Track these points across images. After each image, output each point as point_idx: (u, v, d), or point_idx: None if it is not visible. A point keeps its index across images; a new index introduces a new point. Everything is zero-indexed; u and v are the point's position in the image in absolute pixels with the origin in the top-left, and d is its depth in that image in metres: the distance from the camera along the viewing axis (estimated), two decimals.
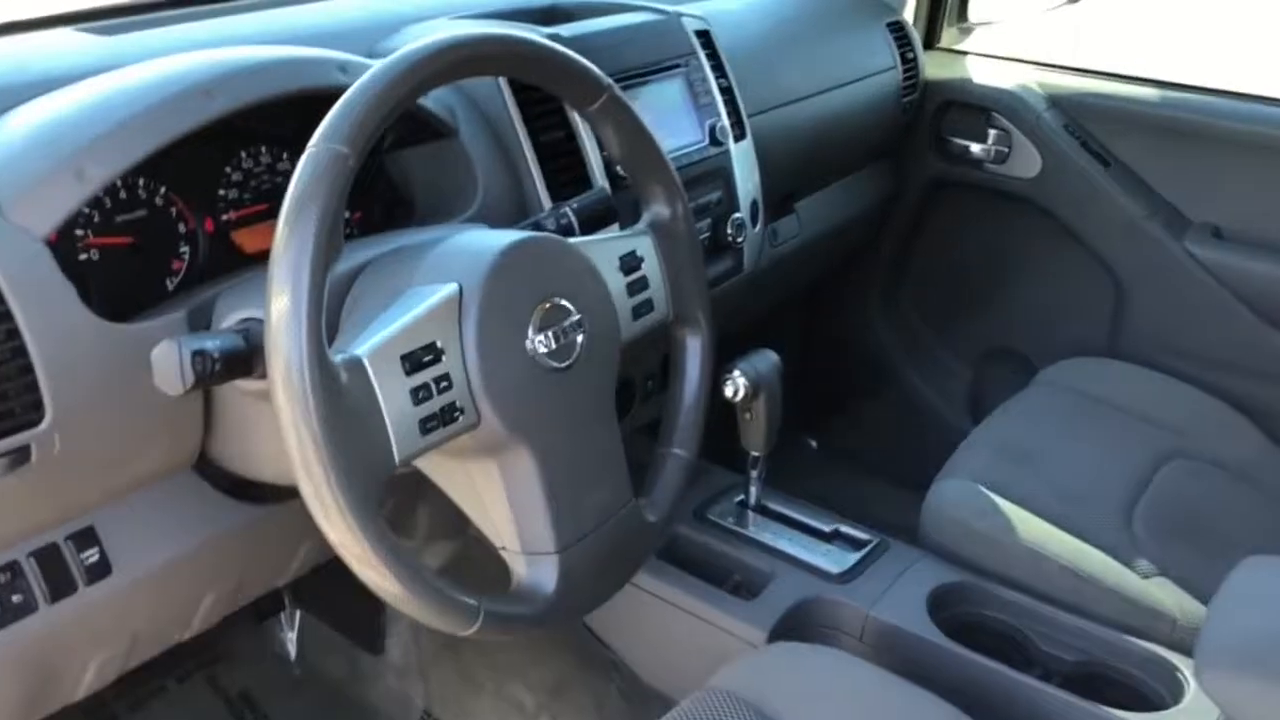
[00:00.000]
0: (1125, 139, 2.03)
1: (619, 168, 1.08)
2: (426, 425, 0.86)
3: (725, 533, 1.55)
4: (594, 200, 1.17)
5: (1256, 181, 1.93)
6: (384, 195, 1.30)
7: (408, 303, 0.88)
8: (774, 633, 1.40)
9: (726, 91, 1.57)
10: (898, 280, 2.35)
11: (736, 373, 1.47)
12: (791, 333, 2.45)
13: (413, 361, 0.85)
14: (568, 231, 1.15)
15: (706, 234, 1.50)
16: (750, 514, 1.58)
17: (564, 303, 0.96)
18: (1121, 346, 2.09)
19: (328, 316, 0.84)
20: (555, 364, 0.94)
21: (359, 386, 0.82)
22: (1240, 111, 1.93)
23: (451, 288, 0.90)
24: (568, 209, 1.16)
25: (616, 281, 1.05)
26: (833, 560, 1.49)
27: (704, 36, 1.56)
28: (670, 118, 1.46)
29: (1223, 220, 1.97)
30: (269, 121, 1.14)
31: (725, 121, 1.53)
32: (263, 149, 1.18)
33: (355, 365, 0.82)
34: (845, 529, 1.56)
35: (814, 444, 2.54)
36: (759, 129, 1.66)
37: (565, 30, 1.37)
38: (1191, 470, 1.71)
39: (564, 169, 1.31)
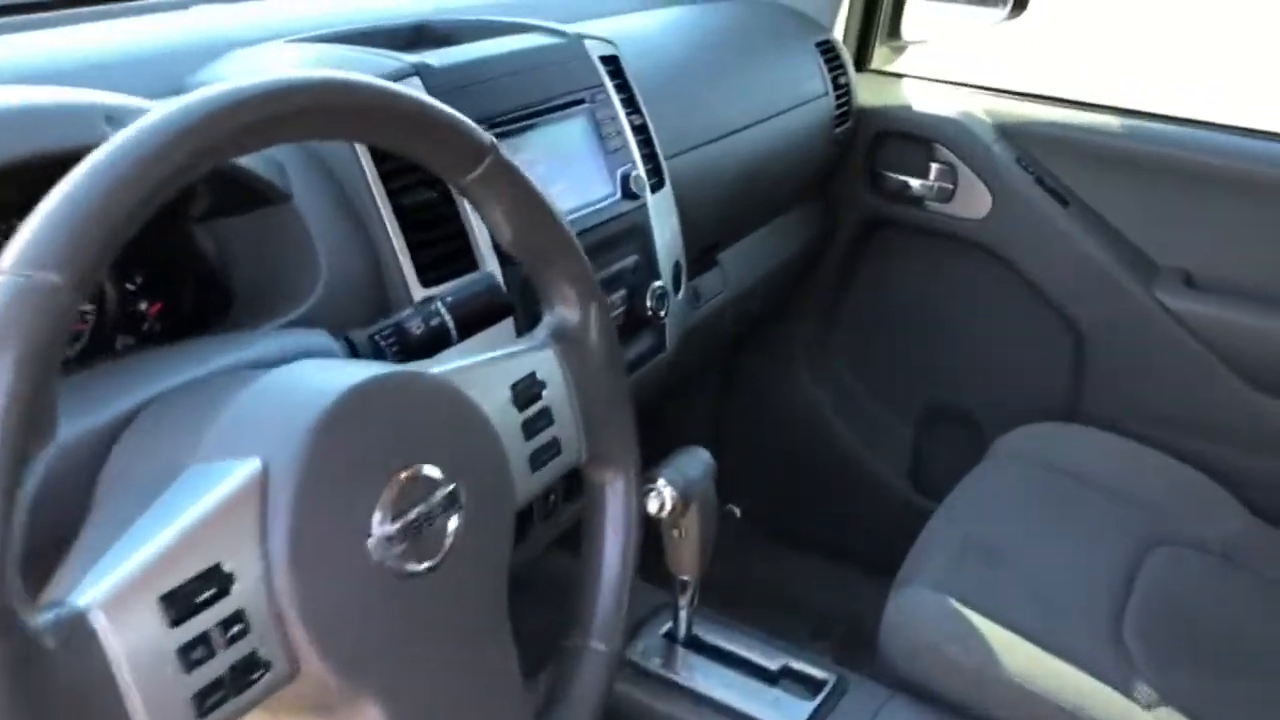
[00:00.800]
0: (1085, 174, 1.79)
1: (512, 254, 0.78)
2: (207, 700, 0.54)
3: (649, 679, 1.25)
4: (478, 290, 0.87)
5: (1233, 222, 1.72)
6: (197, 276, 0.97)
7: (179, 498, 0.57)
8: None
9: (641, 130, 1.27)
10: (830, 332, 2.09)
11: (661, 482, 1.18)
12: (708, 390, 2.16)
13: (181, 603, 0.54)
14: (440, 337, 0.84)
15: (620, 308, 1.21)
16: (680, 651, 1.29)
17: (429, 470, 0.65)
18: (1084, 408, 1.86)
19: (52, 526, 0.52)
20: (414, 566, 0.64)
21: (82, 660, 0.50)
22: (1214, 144, 1.71)
23: (251, 467, 0.58)
24: (440, 304, 0.85)
25: (509, 420, 0.75)
26: (783, 712, 1.21)
27: (612, 64, 1.26)
28: (573, 168, 1.16)
29: (1196, 266, 1.75)
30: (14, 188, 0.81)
31: (640, 169, 1.24)
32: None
33: (75, 625, 0.50)
34: (795, 665, 1.28)
35: (737, 512, 2.26)
36: (678, 173, 1.38)
37: (436, 58, 1.06)
38: (1177, 559, 1.50)
39: (438, 242, 1.00)
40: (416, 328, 0.83)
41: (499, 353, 0.77)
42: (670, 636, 1.31)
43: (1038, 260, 1.83)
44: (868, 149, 1.90)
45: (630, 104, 1.27)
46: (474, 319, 0.85)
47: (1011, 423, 1.84)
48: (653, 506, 1.18)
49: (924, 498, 2.02)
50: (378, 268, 0.96)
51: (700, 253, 1.61)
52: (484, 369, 0.74)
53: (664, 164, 1.31)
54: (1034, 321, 1.88)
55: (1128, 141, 1.76)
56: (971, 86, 1.92)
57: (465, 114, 1.04)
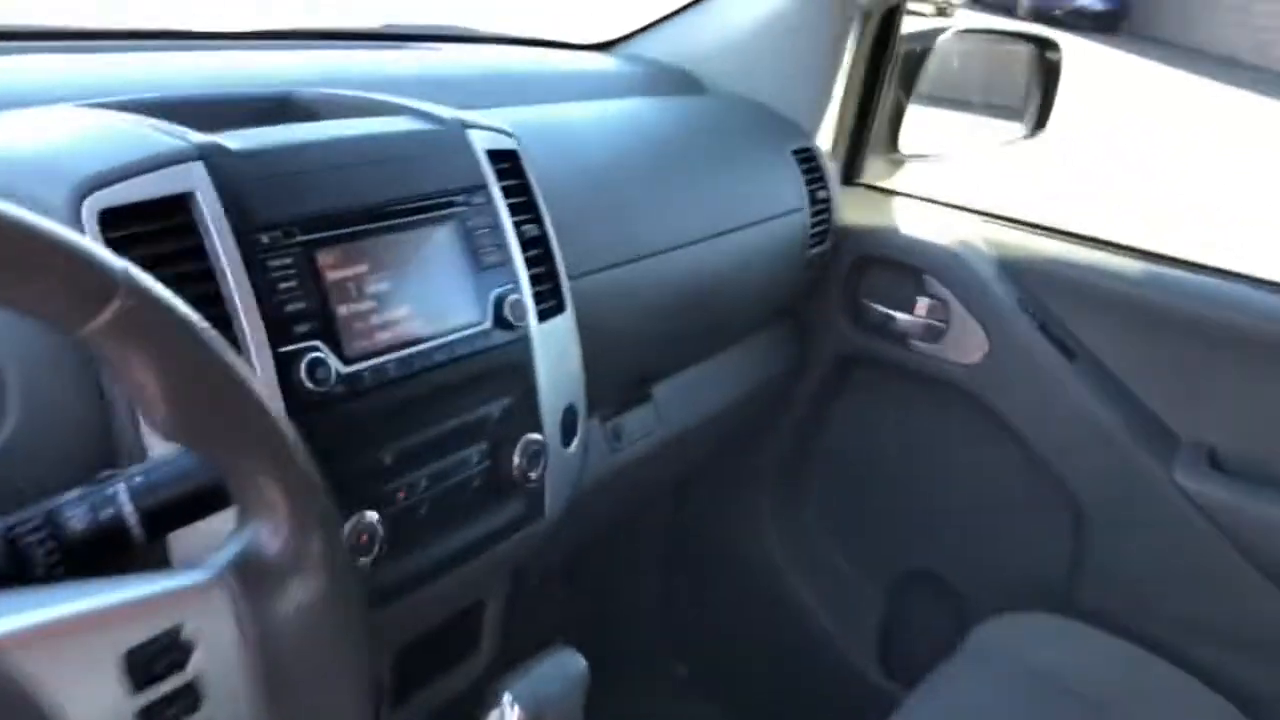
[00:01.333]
0: (1099, 324, 1.53)
1: (172, 440, 0.53)
2: None
3: None
4: (185, 468, 0.61)
5: (1272, 395, 1.45)
6: None
7: None
8: None
9: (535, 244, 1.03)
10: (796, 477, 1.82)
11: (508, 701, 0.91)
12: (652, 533, 1.89)
13: None
14: (115, 536, 0.58)
15: (479, 467, 0.95)
16: None
17: None
18: (1079, 596, 1.57)
19: None
20: None
21: None
22: (1253, 301, 1.45)
23: None
24: (123, 485, 0.59)
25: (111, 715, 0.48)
26: None
27: (506, 159, 1.02)
28: (428, 287, 0.91)
29: (1224, 443, 1.48)
30: None
31: (524, 292, 0.99)
32: None
33: None
34: None
35: (684, 671, 1.98)
36: (598, 293, 1.14)
37: (241, 139, 0.82)
38: None
39: None
40: (79, 521, 0.57)
41: (116, 596, 0.50)
42: None
43: (1036, 419, 1.56)
44: (847, 274, 1.65)
45: (525, 210, 1.03)
46: (172, 510, 0.59)
47: (995, 600, 1.56)
48: None
49: (892, 682, 1.73)
50: (103, 404, 0.72)
51: (627, 386, 1.36)
52: (82, 627, 0.48)
53: (565, 285, 1.06)
54: (1028, 488, 1.61)
55: (1151, 290, 1.50)
56: (973, 212, 1.67)
57: (274, 211, 0.82)
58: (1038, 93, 1.81)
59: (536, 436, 0.99)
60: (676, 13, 1.66)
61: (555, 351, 1.03)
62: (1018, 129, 1.84)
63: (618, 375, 1.31)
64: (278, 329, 0.79)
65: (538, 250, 1.03)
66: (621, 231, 1.25)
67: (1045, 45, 1.81)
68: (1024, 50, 1.83)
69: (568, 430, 1.06)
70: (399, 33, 1.48)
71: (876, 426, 1.74)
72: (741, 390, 1.59)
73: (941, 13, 10.28)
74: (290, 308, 0.80)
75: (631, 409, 1.36)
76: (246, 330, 0.77)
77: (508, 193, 1.00)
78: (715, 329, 1.47)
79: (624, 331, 1.26)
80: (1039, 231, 1.62)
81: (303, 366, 0.79)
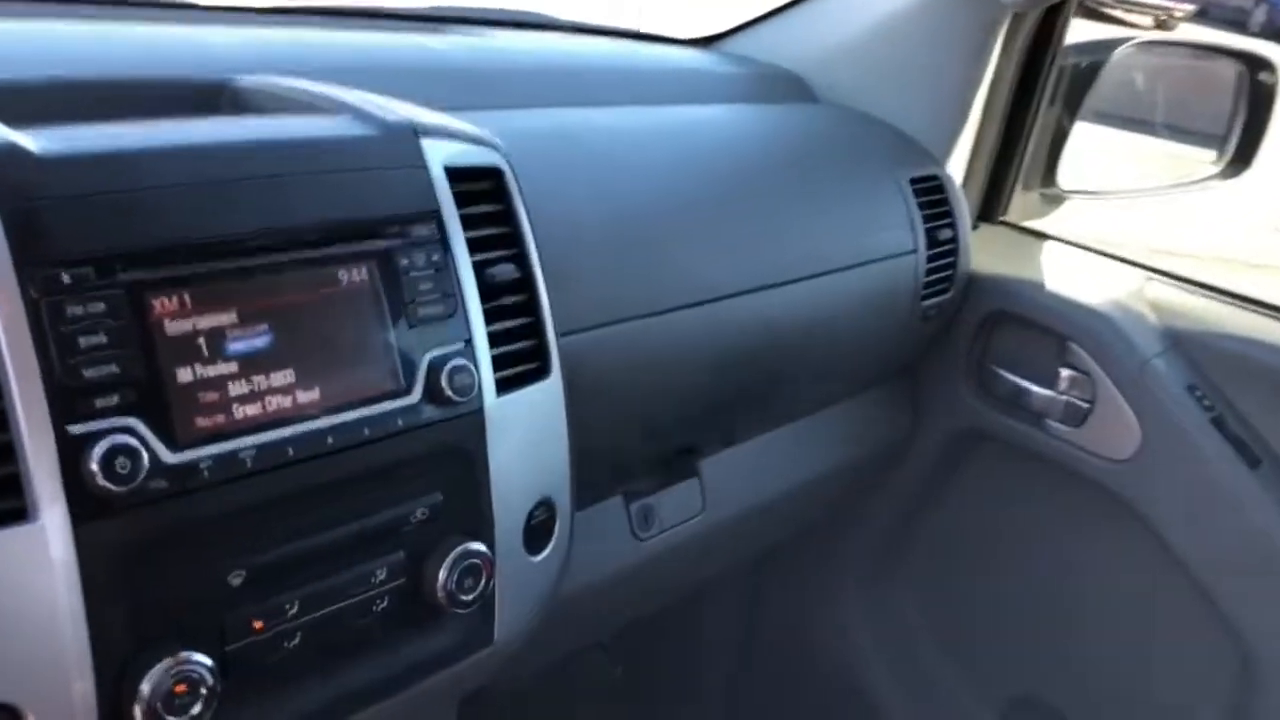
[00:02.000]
0: None
1: None
2: None
3: None
4: None
5: None
6: None
7: None
8: None
9: (512, 289, 0.79)
10: (892, 572, 1.52)
11: None
12: (720, 618, 1.63)
13: None
14: None
15: (386, 585, 0.72)
16: None
17: None
18: None
19: None
20: None
21: None
22: None
23: None
24: None
25: None
26: None
27: (480, 179, 0.78)
28: (330, 345, 0.68)
29: None
30: None
31: (477, 355, 0.75)
32: None
33: None
34: None
35: None
36: (631, 343, 0.93)
37: (63, 139, 0.61)
38: None
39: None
40: None
41: None
42: None
43: (1199, 535, 1.23)
44: (976, 332, 1.35)
45: (503, 244, 0.79)
46: None
47: None
48: None
49: None
50: None
51: (664, 458, 1.11)
52: None
53: (551, 342, 0.81)
54: (1182, 619, 1.28)
55: None
56: (1139, 266, 1.34)
57: (86, 239, 0.60)
58: (1243, 121, 1.46)
59: (477, 546, 0.75)
60: (788, 7, 1.39)
61: (523, 431, 0.79)
62: (1211, 161, 1.49)
63: (652, 444, 1.07)
64: (65, 400, 0.57)
65: (516, 297, 0.80)
66: (671, 269, 1.00)
67: (1258, 65, 1.46)
68: (1230, 69, 1.48)
69: (537, 534, 0.82)
70: (448, 14, 1.27)
71: (996, 520, 1.43)
72: (825, 466, 1.31)
73: (1161, 25, 9.49)
74: (91, 372, 0.58)
75: (669, 486, 1.11)
76: (17, 398, 0.56)
77: (470, 223, 0.76)
78: (789, 392, 1.20)
79: (664, 390, 1.01)
80: (1226, 299, 1.28)
81: (95, 455, 0.57)
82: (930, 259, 1.26)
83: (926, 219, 1.26)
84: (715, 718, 1.68)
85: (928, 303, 1.28)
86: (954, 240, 1.29)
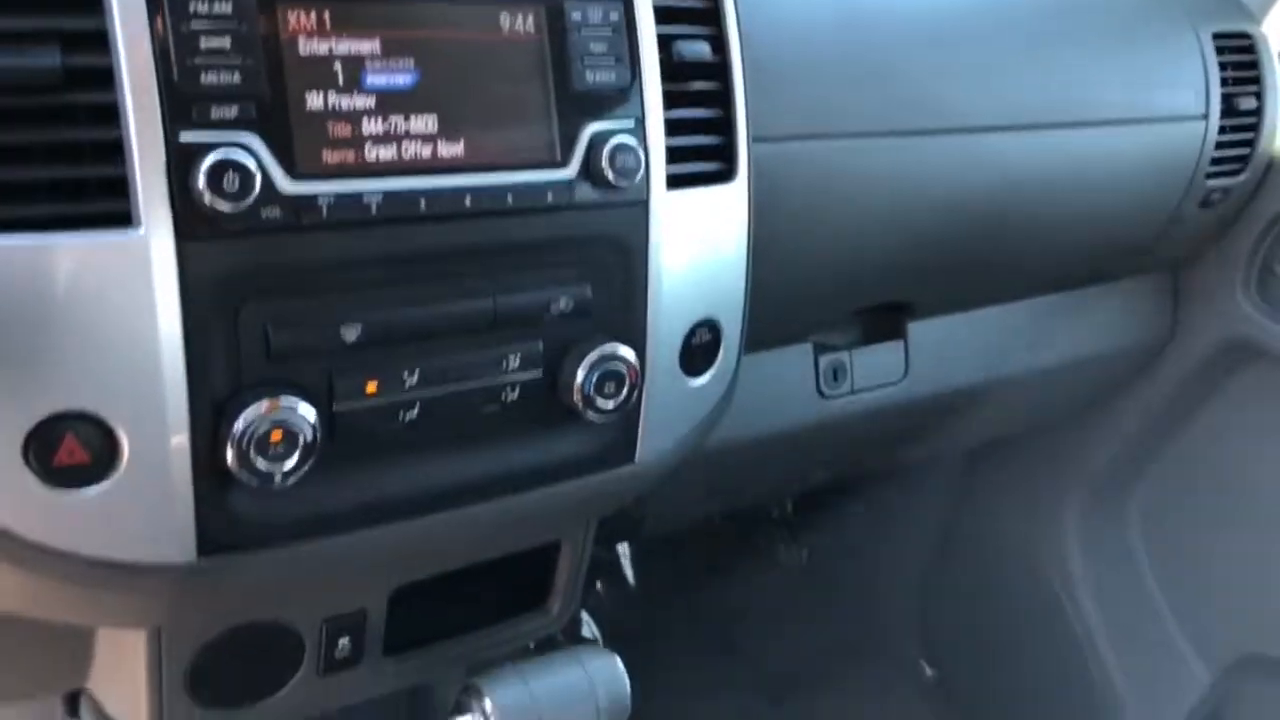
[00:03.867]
0: None
1: None
2: None
3: None
4: None
5: None
6: None
7: None
8: None
9: (701, 73, 0.70)
10: (1124, 493, 1.35)
11: (488, 707, 0.64)
12: (922, 518, 1.51)
13: None
14: None
15: (520, 373, 0.65)
16: None
17: None
18: None
19: None
20: None
21: None
22: None
23: None
24: None
25: None
26: None
27: None
28: (483, 96, 0.61)
29: None
30: None
31: (649, 137, 0.66)
32: None
33: None
34: None
35: (933, 676, 1.60)
36: (841, 167, 0.81)
37: None
38: None
39: None
40: None
41: None
42: None
43: None
44: (1266, 228, 1.15)
45: (697, 19, 0.70)
46: None
47: None
48: None
49: None
50: None
51: (868, 313, 0.99)
52: None
53: (742, 140, 0.72)
54: None
55: None
56: None
57: None
58: None
59: (624, 351, 0.67)
60: None
61: (695, 237, 0.70)
62: None
63: (853, 291, 0.96)
64: (179, 104, 0.53)
65: (706, 83, 0.70)
66: (905, 85, 0.88)
67: None
68: None
69: (698, 355, 0.73)
70: None
71: (1256, 453, 1.24)
72: (1057, 359, 1.16)
73: None
74: (210, 78, 0.53)
75: (869, 345, 1.00)
76: (128, 95, 0.52)
77: None
78: (1023, 262, 1.05)
79: (874, 226, 0.89)
80: None
81: (203, 167, 0.53)
82: (1224, 130, 1.07)
83: (1226, 82, 1.06)
84: (901, 616, 1.58)
85: (1213, 183, 1.09)
86: (1258, 113, 1.09)
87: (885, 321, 1.01)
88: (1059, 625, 1.40)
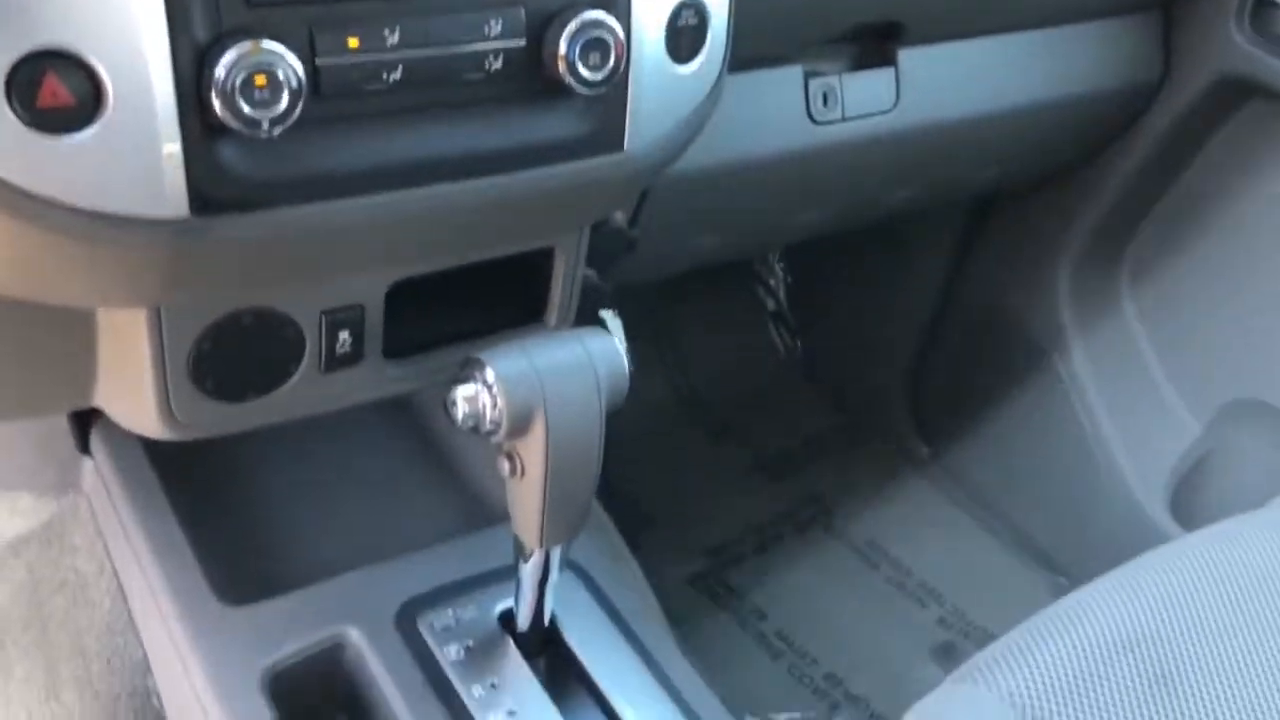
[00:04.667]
0: None
1: None
2: None
3: (432, 686, 0.75)
4: None
5: None
6: None
7: None
8: None
9: None
10: (1115, 242, 1.35)
11: (489, 376, 0.65)
12: (920, 286, 1.52)
13: None
14: None
15: (501, 40, 0.64)
16: (505, 649, 0.77)
17: None
18: None
19: None
20: None
21: None
22: None
23: None
24: None
25: None
26: None
27: None
28: None
29: None
30: None
31: None
32: None
33: None
34: None
35: (927, 452, 1.63)
36: None
37: None
38: None
39: None
40: None
41: None
42: (505, 623, 0.79)
43: None
44: None
45: None
46: None
47: None
48: (459, 412, 0.66)
49: (1175, 526, 1.31)
50: None
51: (855, 35, 0.98)
52: None
53: None
54: None
55: None
56: None
57: None
58: None
59: (606, 18, 0.66)
60: None
61: None
62: None
63: (841, 15, 0.94)
64: None
65: None
66: None
67: None
68: None
69: (684, 39, 0.72)
70: None
71: (1249, 196, 1.24)
72: (1052, 93, 1.14)
73: None
74: None
75: (859, 71, 0.99)
76: None
77: None
78: None
79: None
80: None
81: None
82: None
83: None
84: (894, 398, 1.60)
85: None
86: None
87: (875, 49, 1.00)
88: (1051, 388, 1.42)
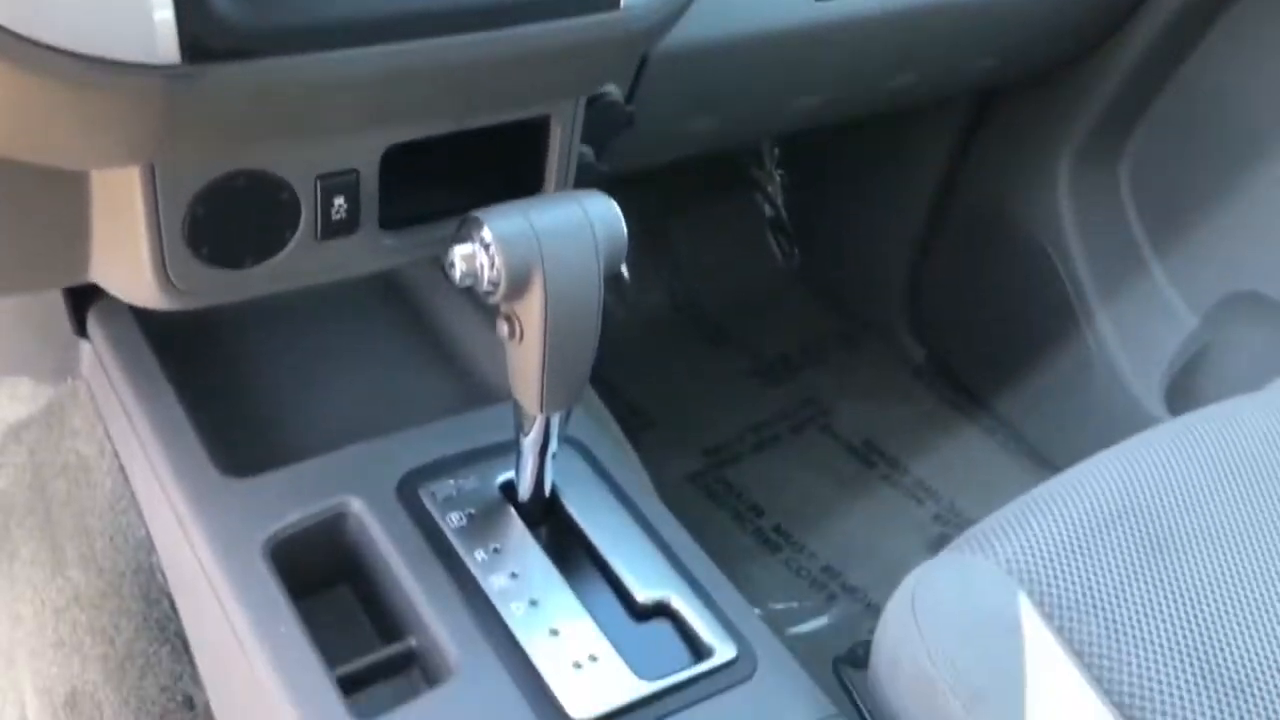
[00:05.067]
0: None
1: None
2: None
3: (435, 552, 0.75)
4: None
5: None
6: None
7: None
8: None
9: None
10: (1112, 146, 1.35)
11: (486, 236, 0.64)
12: (918, 183, 1.51)
13: None
14: None
15: None
16: (506, 517, 0.78)
17: None
18: None
19: None
20: None
21: None
22: None
23: None
24: None
25: None
26: (612, 678, 0.68)
27: None
28: None
29: None
30: None
31: None
32: None
33: None
34: (687, 601, 0.74)
35: (923, 356, 1.64)
36: None
37: None
38: None
39: None
40: None
41: None
42: (508, 494, 0.79)
43: None
44: None
45: None
46: None
47: None
48: (456, 271, 0.66)
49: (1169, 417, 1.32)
50: None
51: None
52: None
53: None
54: None
55: None
56: None
57: None
58: None
59: None
60: None
61: None
62: None
63: None
64: None
65: None
66: None
67: None
68: None
69: None
70: None
71: (1254, 80, 1.22)
72: None
73: None
74: None
75: None
76: None
77: None
78: None
79: None
80: None
81: None
82: None
83: None
84: (893, 305, 1.60)
85: None
86: None
87: None
88: (1049, 286, 1.42)
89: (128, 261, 0.71)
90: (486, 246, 0.65)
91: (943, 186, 1.50)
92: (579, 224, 0.67)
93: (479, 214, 0.66)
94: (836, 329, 1.68)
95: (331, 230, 0.73)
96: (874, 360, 1.64)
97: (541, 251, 0.65)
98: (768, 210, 1.76)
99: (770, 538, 1.35)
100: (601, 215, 0.68)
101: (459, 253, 0.66)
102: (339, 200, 0.73)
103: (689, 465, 1.43)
